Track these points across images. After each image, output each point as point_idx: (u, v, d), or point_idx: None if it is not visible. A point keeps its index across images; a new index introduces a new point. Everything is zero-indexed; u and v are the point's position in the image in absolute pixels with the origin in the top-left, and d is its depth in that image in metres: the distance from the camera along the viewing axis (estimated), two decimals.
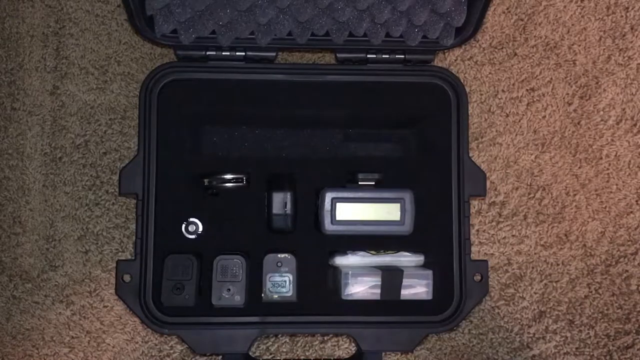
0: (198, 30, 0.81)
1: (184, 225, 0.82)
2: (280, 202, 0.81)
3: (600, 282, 0.89)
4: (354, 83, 0.85)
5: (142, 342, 0.86)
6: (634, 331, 0.88)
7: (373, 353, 0.82)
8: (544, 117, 0.91)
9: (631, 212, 0.90)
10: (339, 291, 0.82)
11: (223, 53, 0.83)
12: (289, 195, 0.81)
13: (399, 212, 0.81)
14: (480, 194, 0.85)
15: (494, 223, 0.89)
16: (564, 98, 0.91)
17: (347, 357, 0.86)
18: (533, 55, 0.92)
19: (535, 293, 0.88)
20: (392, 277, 0.81)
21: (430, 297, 0.82)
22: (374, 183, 0.82)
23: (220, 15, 0.80)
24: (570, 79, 0.92)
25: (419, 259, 0.84)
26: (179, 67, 0.84)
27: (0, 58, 0.88)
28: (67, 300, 0.86)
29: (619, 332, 0.88)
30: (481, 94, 0.91)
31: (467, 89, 0.88)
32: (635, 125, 0.91)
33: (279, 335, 0.86)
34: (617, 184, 0.90)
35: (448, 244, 0.84)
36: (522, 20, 0.92)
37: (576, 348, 0.88)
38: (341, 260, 0.83)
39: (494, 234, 0.89)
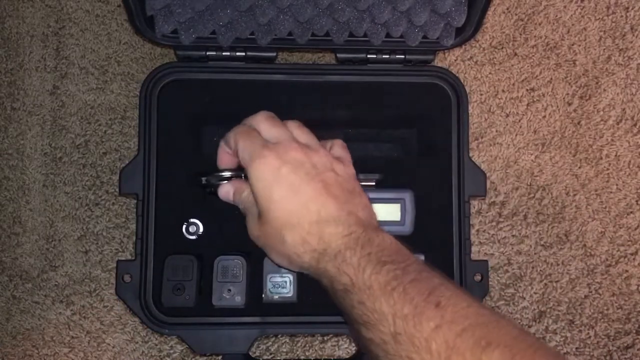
0: (198, 30, 0.81)
1: (184, 226, 0.82)
2: None
3: (600, 282, 0.89)
4: (354, 83, 0.85)
5: (142, 342, 0.86)
6: (634, 331, 0.88)
7: None
8: (544, 117, 0.91)
9: (631, 212, 0.90)
10: None
11: (223, 53, 0.83)
12: None
13: (399, 212, 0.81)
14: (481, 194, 0.85)
15: (494, 223, 0.89)
16: (564, 98, 0.91)
17: (347, 357, 0.86)
18: (533, 55, 0.92)
19: (535, 293, 0.88)
20: None
21: None
22: (374, 183, 0.82)
23: (220, 16, 0.80)
24: (570, 79, 0.92)
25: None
26: (179, 67, 0.84)
27: (0, 58, 0.88)
28: (67, 300, 0.85)
29: (619, 332, 0.88)
30: (481, 94, 0.91)
31: (467, 89, 0.88)
32: (635, 125, 0.91)
33: (279, 335, 0.86)
34: (617, 184, 0.90)
35: (448, 244, 0.84)
36: (522, 20, 0.92)
37: (576, 348, 0.88)
38: None
39: (494, 234, 0.89)
